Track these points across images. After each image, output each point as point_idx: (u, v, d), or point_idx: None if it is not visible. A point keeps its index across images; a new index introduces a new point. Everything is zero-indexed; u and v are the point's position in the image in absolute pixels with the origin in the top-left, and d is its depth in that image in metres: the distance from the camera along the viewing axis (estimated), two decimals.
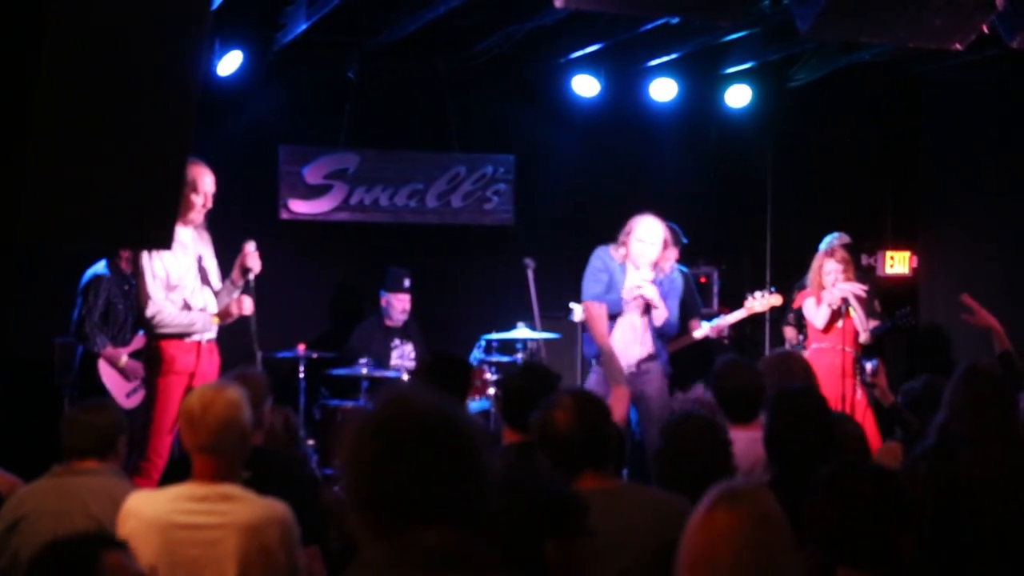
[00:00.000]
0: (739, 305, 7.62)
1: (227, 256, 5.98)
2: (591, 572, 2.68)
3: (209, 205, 5.78)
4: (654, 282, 6.49)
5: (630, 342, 6.51)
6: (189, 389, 5.57)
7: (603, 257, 6.59)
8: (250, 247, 5.84)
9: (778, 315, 9.29)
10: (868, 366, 6.61)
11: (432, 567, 1.97)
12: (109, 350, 6.85)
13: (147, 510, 3.31)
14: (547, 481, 3.26)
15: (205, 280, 5.84)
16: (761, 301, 7.48)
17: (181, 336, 5.68)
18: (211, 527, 3.24)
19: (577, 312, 6.70)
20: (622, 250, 6.55)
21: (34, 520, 3.77)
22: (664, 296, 6.52)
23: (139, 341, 6.75)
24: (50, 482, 3.90)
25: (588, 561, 2.62)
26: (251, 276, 5.85)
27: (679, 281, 6.75)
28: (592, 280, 6.55)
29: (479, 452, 2.05)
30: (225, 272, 5.95)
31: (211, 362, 5.80)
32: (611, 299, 6.50)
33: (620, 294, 6.49)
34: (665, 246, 6.55)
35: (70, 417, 4.04)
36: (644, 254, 6.49)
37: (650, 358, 6.54)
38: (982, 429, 3.82)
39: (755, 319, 9.24)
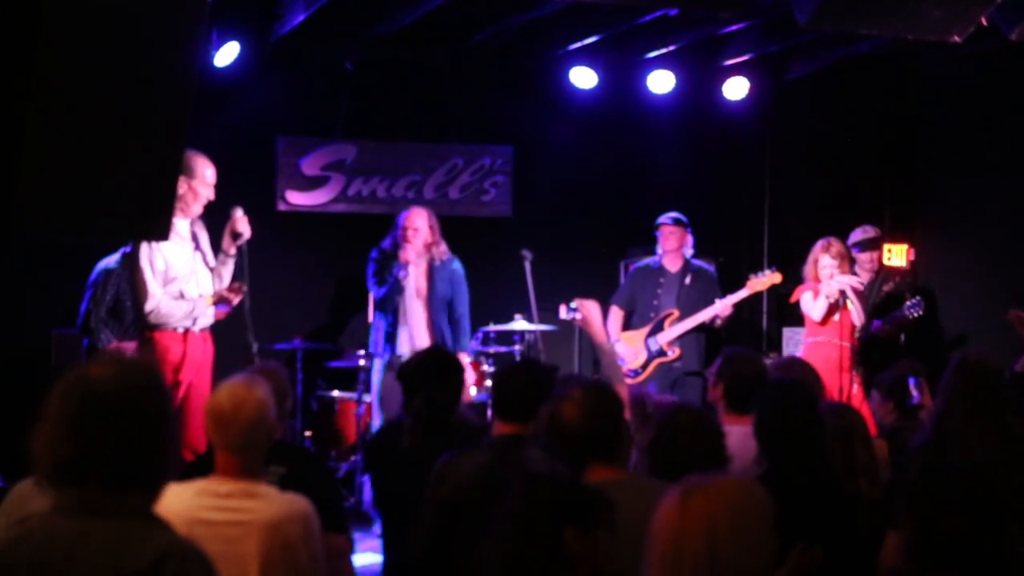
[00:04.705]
0: None
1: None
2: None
3: (212, 197, 5.81)
4: (432, 266, 7.30)
5: (418, 332, 7.24)
6: (177, 381, 5.59)
7: (375, 257, 7.35)
8: (238, 212, 5.87)
9: (776, 309, 9.30)
10: (913, 389, 5.39)
11: (81, 515, 2.24)
12: (114, 345, 6.83)
13: (172, 504, 3.31)
14: (551, 471, 3.27)
15: (204, 260, 5.86)
16: (762, 279, 7.56)
17: (175, 327, 5.68)
18: (234, 524, 3.24)
19: (563, 312, 6.83)
20: (389, 241, 7.32)
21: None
22: (449, 283, 7.32)
23: None
24: None
25: (612, 561, 2.59)
26: (242, 242, 5.87)
27: (460, 271, 7.43)
28: (372, 279, 7.33)
29: (142, 421, 2.30)
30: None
31: (204, 351, 5.80)
32: (386, 288, 7.22)
33: (400, 282, 7.21)
34: (433, 231, 7.28)
35: None
36: (417, 238, 7.21)
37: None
38: (976, 423, 3.80)
39: (754, 309, 9.26)
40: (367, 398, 7.59)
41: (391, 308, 7.27)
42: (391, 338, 7.27)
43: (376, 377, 7.32)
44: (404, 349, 7.25)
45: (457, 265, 7.44)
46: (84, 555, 2.22)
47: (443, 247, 7.38)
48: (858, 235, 7.82)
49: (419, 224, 7.25)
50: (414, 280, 7.28)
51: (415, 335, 7.26)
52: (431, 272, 7.33)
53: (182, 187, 5.68)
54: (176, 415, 2.47)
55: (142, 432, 2.30)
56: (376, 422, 7.30)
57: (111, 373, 2.32)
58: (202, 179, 5.78)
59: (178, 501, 3.27)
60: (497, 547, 2.60)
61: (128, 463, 2.27)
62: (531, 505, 2.59)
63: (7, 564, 2.24)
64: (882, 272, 7.91)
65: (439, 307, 7.33)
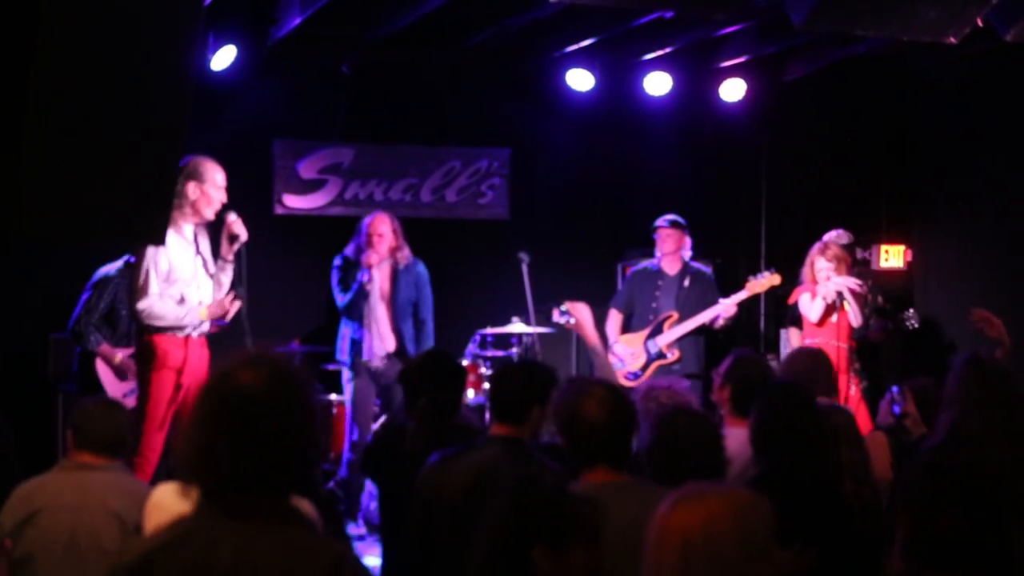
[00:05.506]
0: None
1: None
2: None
3: (224, 199, 5.81)
4: (395, 271, 7.34)
5: (384, 335, 7.29)
6: (179, 385, 5.58)
7: (339, 264, 7.40)
8: (232, 216, 5.87)
9: (775, 308, 9.30)
10: (894, 398, 5.47)
11: (240, 521, 2.20)
12: (104, 347, 6.81)
13: (170, 503, 3.29)
14: (543, 479, 3.24)
15: (204, 266, 5.85)
16: (761, 281, 7.57)
17: (172, 330, 5.68)
18: None
19: (554, 316, 6.81)
20: (353, 247, 7.35)
21: (51, 514, 3.76)
22: (414, 286, 7.38)
23: None
24: (64, 476, 3.88)
25: (595, 574, 2.52)
26: (239, 245, 5.87)
27: (424, 274, 7.48)
28: (337, 287, 7.40)
29: (297, 431, 2.26)
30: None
31: (201, 356, 5.79)
32: (351, 294, 7.27)
33: (364, 286, 7.23)
34: (397, 236, 7.32)
35: (89, 411, 3.99)
36: (382, 244, 7.26)
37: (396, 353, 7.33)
38: (987, 425, 3.73)
39: (752, 310, 9.26)
40: None
41: (356, 314, 7.29)
42: (357, 344, 7.29)
43: (347, 385, 7.33)
44: (370, 353, 7.27)
45: (421, 268, 7.49)
46: (254, 562, 2.18)
47: (406, 251, 7.42)
48: (831, 239, 7.83)
49: (383, 230, 7.30)
50: (378, 283, 7.32)
51: (379, 339, 7.31)
52: (395, 275, 7.37)
53: (195, 192, 5.70)
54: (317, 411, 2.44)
55: (298, 442, 2.28)
56: (348, 429, 7.27)
57: (263, 379, 2.25)
58: (213, 183, 5.79)
59: (176, 501, 3.29)
60: (471, 561, 2.58)
61: (287, 473, 2.26)
62: (501, 521, 2.54)
63: (167, 566, 2.20)
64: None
65: (403, 310, 7.38)
